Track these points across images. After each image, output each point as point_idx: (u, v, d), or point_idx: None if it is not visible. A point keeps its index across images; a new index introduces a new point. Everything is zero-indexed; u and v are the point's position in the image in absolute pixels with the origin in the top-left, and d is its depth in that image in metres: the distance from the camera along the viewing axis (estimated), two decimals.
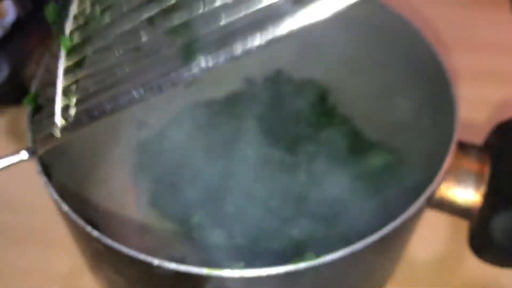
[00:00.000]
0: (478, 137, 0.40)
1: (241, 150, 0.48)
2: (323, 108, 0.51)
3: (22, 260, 0.47)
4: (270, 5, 0.25)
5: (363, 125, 0.51)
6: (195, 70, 0.27)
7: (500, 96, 0.58)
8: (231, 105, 0.52)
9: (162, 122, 0.53)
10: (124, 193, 0.50)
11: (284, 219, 0.45)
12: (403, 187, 0.45)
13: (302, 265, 0.29)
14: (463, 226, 0.40)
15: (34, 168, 0.35)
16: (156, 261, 0.29)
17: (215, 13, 0.26)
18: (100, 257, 0.33)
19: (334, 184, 0.45)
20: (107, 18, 0.30)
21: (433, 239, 0.48)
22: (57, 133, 0.31)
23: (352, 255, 0.30)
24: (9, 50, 0.35)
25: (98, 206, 0.46)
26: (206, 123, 0.51)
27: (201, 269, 0.29)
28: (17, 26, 0.35)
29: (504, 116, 0.40)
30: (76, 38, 0.32)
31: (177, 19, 0.28)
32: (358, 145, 0.48)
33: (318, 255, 0.29)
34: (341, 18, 0.46)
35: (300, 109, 0.50)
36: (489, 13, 0.67)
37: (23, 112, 0.56)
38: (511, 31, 0.65)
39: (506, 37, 0.65)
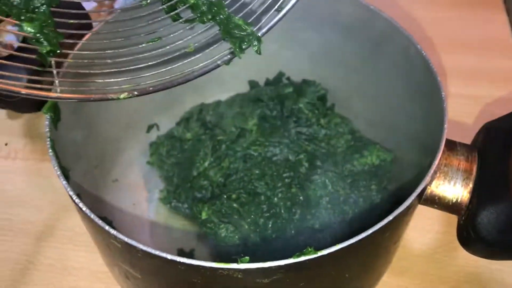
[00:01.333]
0: (467, 136, 0.42)
1: (246, 148, 0.50)
2: (322, 108, 0.52)
3: (43, 255, 0.49)
4: None
5: (360, 125, 0.52)
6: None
7: (490, 95, 0.59)
8: (235, 106, 0.54)
9: (171, 123, 0.55)
10: (136, 191, 0.52)
11: (289, 214, 0.46)
12: (398, 184, 0.46)
13: (302, 258, 0.31)
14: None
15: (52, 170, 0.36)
16: (169, 256, 0.31)
17: None
18: (117, 253, 0.35)
19: (333, 181, 0.47)
20: None
21: (429, 232, 0.50)
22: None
23: (349, 249, 0.32)
24: (26, 57, 0.36)
25: (112, 204, 0.49)
26: (212, 124, 0.53)
27: (210, 263, 0.31)
28: None
29: (493, 114, 0.42)
30: None
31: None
32: (355, 144, 0.50)
33: (317, 249, 0.31)
34: (335, 23, 0.48)
35: (300, 109, 0.52)
36: (482, 12, 0.68)
37: (37, 116, 0.58)
38: (504, 29, 0.66)
39: (497, 36, 0.65)
